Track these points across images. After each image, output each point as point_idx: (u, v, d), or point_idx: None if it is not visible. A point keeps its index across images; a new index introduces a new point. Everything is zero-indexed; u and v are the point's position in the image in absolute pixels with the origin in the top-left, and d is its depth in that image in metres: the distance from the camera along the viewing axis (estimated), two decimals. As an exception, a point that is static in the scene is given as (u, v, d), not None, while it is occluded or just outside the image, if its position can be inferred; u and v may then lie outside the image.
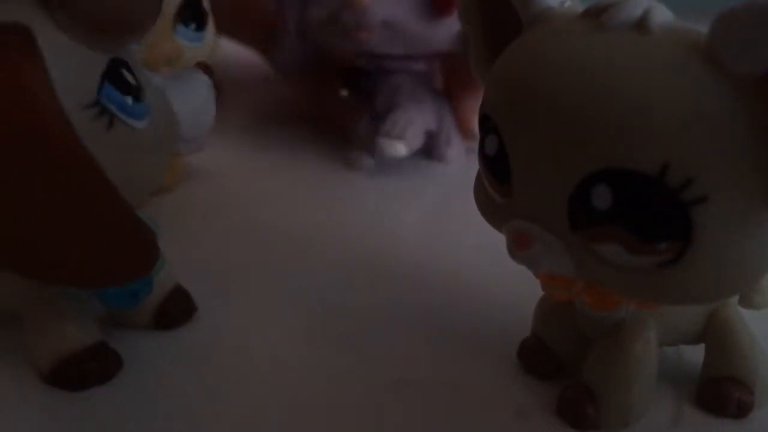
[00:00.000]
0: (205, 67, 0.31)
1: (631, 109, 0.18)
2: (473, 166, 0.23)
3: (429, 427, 0.24)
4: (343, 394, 0.25)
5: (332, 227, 0.36)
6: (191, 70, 0.31)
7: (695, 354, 0.26)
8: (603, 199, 0.18)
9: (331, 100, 0.47)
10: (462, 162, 0.44)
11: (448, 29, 0.39)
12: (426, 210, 0.39)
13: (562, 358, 0.26)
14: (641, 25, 0.19)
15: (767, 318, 0.26)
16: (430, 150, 0.44)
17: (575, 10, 0.21)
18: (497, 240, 0.22)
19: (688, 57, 0.18)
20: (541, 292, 0.25)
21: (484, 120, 0.21)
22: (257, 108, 0.52)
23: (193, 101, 0.30)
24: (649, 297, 0.20)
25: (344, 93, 0.46)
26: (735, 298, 0.25)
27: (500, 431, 0.24)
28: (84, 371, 0.25)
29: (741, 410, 0.24)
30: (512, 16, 0.21)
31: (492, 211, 0.22)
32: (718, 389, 0.25)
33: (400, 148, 0.41)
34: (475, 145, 0.22)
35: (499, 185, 0.21)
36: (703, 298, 0.20)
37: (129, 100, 0.23)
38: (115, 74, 0.23)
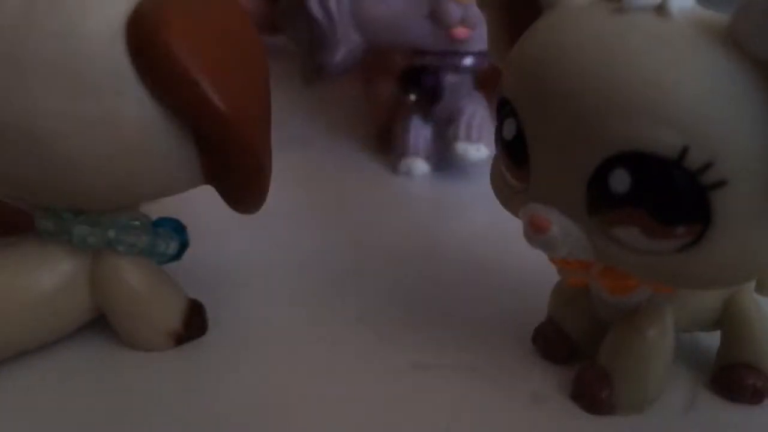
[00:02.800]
0: None
1: (650, 93, 0.18)
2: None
3: (444, 411, 0.24)
4: (359, 377, 0.25)
5: (356, 217, 0.36)
6: None
7: (710, 340, 0.26)
8: (621, 182, 0.18)
9: (379, 101, 0.45)
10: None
11: None
12: (443, 195, 0.39)
13: (577, 342, 0.26)
14: (661, 8, 0.19)
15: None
16: None
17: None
18: (513, 225, 0.22)
19: (708, 41, 0.18)
20: (556, 277, 0.25)
21: (503, 104, 0.21)
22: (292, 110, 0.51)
23: None
24: (666, 280, 0.20)
25: (412, 97, 0.42)
26: (751, 285, 0.25)
27: (516, 415, 0.24)
28: (203, 317, 0.27)
29: (756, 396, 0.24)
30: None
31: (508, 195, 0.22)
32: (733, 375, 0.25)
33: (482, 151, 0.39)
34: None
35: (517, 169, 0.21)
36: (720, 282, 0.20)
37: None
38: None
